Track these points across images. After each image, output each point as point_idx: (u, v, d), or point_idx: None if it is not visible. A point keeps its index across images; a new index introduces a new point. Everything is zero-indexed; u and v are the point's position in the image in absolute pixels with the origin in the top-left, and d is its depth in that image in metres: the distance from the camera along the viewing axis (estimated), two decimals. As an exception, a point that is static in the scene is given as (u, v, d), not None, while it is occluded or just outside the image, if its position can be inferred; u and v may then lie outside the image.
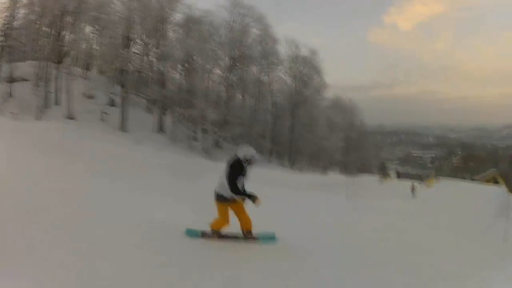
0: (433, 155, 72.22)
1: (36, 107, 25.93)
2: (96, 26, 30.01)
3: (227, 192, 7.02)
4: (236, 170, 6.87)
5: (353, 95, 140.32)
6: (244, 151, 7.05)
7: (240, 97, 38.98)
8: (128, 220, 7.41)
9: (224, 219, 7.28)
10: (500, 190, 37.23)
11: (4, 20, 27.99)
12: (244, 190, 7.05)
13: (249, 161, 6.95)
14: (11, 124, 20.58)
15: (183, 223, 7.43)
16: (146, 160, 18.09)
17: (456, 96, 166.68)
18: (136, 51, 30.01)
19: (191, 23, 32.44)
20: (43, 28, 28.02)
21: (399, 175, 49.19)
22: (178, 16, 32.81)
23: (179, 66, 32.37)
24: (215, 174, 7.14)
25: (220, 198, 7.11)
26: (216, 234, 7.49)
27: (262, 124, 39.96)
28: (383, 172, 53.26)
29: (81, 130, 23.20)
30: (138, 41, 30.05)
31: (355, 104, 56.41)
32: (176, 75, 32.61)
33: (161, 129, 29.40)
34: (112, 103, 29.13)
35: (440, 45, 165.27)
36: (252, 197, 6.88)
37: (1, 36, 28.06)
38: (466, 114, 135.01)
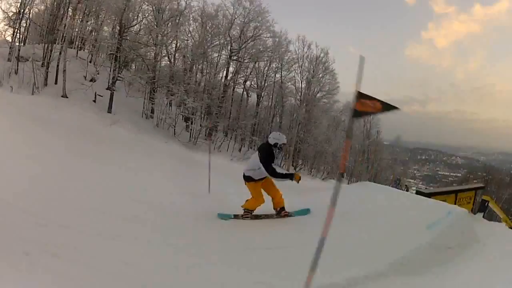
0: (459, 175, 69.94)
1: (33, 84, 27.29)
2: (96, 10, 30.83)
3: (254, 174, 7.91)
4: (269, 155, 7.77)
5: None
6: (275, 137, 7.98)
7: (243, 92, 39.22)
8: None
9: (258, 197, 8.06)
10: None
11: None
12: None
13: (280, 147, 7.89)
14: (5, 95, 23.66)
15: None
16: (109, 136, 20.42)
17: (486, 118, 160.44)
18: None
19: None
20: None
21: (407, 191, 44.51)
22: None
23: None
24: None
25: (248, 179, 8.06)
26: (250, 214, 8.18)
27: (262, 121, 40.33)
28: (394, 185, 49.05)
29: (66, 107, 25.44)
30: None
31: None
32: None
33: (151, 114, 30.33)
34: (111, 87, 29.65)
35: (474, 65, 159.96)
36: (290, 175, 7.71)
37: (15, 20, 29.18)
38: (494, 137, 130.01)
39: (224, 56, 34.82)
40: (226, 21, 34.41)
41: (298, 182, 7.84)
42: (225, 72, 35.29)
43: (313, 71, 42.48)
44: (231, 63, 35.18)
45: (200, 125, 31.91)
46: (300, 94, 42.46)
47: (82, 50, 31.67)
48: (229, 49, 34.63)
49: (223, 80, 35.00)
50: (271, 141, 8.05)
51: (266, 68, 39.89)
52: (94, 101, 28.71)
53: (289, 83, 41.78)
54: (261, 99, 40.06)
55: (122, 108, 28.89)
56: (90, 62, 30.60)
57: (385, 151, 58.29)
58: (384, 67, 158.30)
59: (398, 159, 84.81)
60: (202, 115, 33.24)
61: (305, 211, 8.61)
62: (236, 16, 34.80)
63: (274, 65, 40.17)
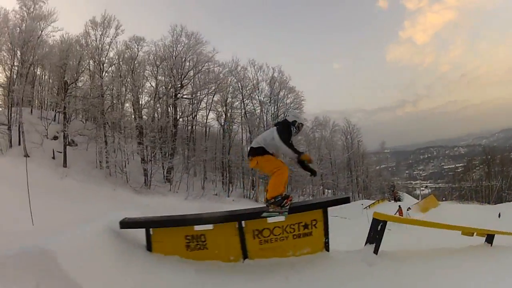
0: (465, 165, 66.33)
1: (-2, 146, 26.62)
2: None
3: (267, 145, 6.25)
4: (287, 129, 6.24)
5: (379, 117, 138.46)
6: (294, 115, 6.54)
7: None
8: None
9: (281, 166, 6.13)
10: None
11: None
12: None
13: (298, 126, 6.37)
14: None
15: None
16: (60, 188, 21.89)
17: (478, 101, 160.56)
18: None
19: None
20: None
21: (396, 198, 48.00)
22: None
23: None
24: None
25: (260, 151, 6.22)
26: (285, 198, 6.07)
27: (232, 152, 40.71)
28: (390, 193, 51.84)
29: (24, 165, 25.43)
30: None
31: (354, 125, 55.06)
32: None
33: (107, 163, 31.43)
34: (72, 143, 31.23)
35: (456, 53, 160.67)
36: (300, 152, 6.18)
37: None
38: (491, 118, 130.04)
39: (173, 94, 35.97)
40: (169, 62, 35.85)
41: (305, 164, 6.31)
42: (173, 110, 36.24)
43: (270, 93, 44.24)
44: (181, 101, 36.72)
45: (162, 165, 33.79)
46: (264, 120, 43.61)
47: (42, 109, 33.19)
48: (173, 87, 35.88)
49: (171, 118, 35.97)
50: (290, 118, 6.53)
51: (228, 99, 41.76)
52: (53, 157, 29.91)
53: (253, 108, 43.26)
54: (228, 130, 41.56)
55: (79, 161, 30.08)
56: (54, 120, 32.07)
57: (372, 160, 58.41)
58: (370, 77, 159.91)
59: (392, 165, 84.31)
60: (159, 157, 34.67)
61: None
62: (176, 54, 36.04)
63: (228, 96, 41.84)
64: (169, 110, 36.09)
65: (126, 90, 34.08)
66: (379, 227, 5.99)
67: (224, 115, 40.78)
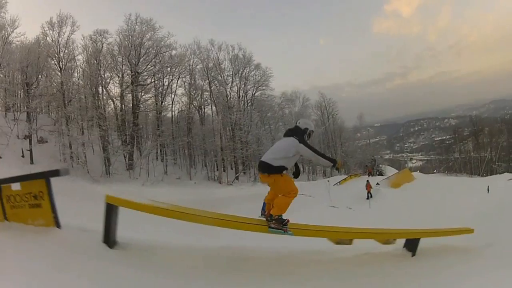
0: (457, 136, 64.57)
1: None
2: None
3: (288, 162, 6.21)
4: (307, 142, 6.26)
5: (369, 91, 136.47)
6: (306, 122, 6.59)
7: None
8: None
9: (293, 189, 6.17)
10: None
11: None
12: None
13: (309, 135, 6.50)
14: None
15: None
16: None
17: (469, 71, 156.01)
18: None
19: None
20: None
21: (370, 173, 46.13)
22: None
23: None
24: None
25: (279, 170, 6.08)
26: (286, 222, 6.24)
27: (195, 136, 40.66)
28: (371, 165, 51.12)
29: None
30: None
31: (330, 99, 53.88)
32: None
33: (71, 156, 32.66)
34: (41, 140, 32.59)
35: (443, 23, 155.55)
36: (333, 160, 6.29)
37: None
38: (482, 89, 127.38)
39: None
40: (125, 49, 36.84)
41: (339, 170, 6.37)
42: (133, 98, 36.89)
43: (234, 71, 44.19)
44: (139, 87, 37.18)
45: (123, 153, 34.53)
46: (227, 99, 43.29)
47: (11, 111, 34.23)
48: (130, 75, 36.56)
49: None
50: (302, 125, 6.53)
51: (196, 82, 42.45)
52: (23, 156, 31.36)
53: (220, 88, 43.16)
54: (200, 114, 42.60)
55: (46, 157, 31.22)
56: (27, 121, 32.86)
57: (356, 135, 57.43)
58: (357, 51, 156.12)
59: (382, 139, 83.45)
60: (119, 144, 34.97)
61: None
62: (132, 42, 37.04)
63: (187, 77, 41.88)
64: (129, 98, 36.95)
65: (86, 83, 35.07)
66: (111, 211, 5.14)
67: (188, 98, 41.43)
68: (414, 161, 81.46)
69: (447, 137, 70.94)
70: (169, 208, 5.53)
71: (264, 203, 6.75)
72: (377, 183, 33.80)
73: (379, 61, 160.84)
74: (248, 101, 44.74)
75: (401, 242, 7.00)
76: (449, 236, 7.80)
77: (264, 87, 45.04)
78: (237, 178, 40.96)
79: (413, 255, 6.95)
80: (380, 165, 54.54)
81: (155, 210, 5.46)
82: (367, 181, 32.09)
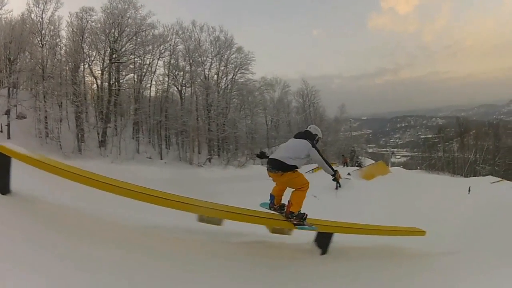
0: (443, 136, 64.68)
1: None
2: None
3: (300, 163, 6.57)
4: (317, 148, 6.77)
5: (358, 84, 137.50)
6: (316, 129, 7.07)
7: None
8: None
9: (306, 183, 6.60)
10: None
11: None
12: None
13: (317, 140, 6.95)
14: None
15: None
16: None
17: (462, 74, 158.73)
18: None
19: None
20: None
21: (345, 163, 45.35)
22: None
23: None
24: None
25: (291, 168, 6.46)
26: (305, 216, 6.64)
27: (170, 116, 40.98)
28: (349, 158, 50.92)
29: None
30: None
31: (312, 87, 54.04)
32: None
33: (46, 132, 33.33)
34: (20, 116, 33.27)
35: (440, 24, 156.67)
36: (335, 171, 6.75)
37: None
38: (473, 92, 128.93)
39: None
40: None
41: (336, 182, 7.43)
42: (111, 75, 37.81)
43: (213, 53, 44.32)
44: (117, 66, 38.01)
45: (97, 129, 35.17)
46: (205, 79, 43.34)
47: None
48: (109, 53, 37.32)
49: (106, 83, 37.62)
50: (313, 131, 7.03)
51: (178, 62, 42.68)
52: (1, 131, 31.65)
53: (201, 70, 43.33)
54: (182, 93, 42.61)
55: (23, 133, 31.63)
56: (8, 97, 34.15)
57: (334, 124, 56.34)
58: (350, 44, 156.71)
59: (368, 132, 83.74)
60: (94, 121, 35.89)
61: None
62: (112, 20, 37.48)
63: (178, 58, 42.59)
64: (107, 75, 37.59)
65: (67, 59, 35.94)
66: (3, 161, 5.60)
67: (168, 78, 41.91)
68: (398, 157, 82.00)
69: (433, 135, 71.64)
70: (57, 166, 5.71)
71: (272, 195, 7.05)
72: (348, 173, 32.20)
73: (371, 56, 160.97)
74: (228, 84, 45.30)
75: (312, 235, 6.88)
76: (402, 237, 7.73)
77: (244, 71, 45.56)
78: (209, 160, 41.31)
79: (323, 252, 6.72)
80: (360, 157, 55.19)
81: (42, 165, 5.65)
82: (336, 170, 29.13)
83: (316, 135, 6.96)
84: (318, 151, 6.60)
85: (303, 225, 6.46)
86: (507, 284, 5.63)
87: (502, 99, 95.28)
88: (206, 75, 43.26)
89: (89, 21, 36.75)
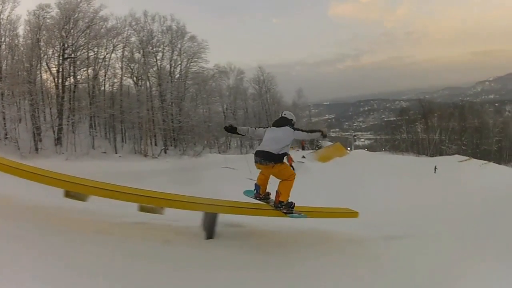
0: (407, 118, 64.69)
1: None
2: None
3: (287, 150, 7.16)
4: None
5: (320, 70, 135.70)
6: (291, 114, 7.65)
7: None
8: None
9: (292, 174, 7.20)
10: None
11: None
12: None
13: (293, 124, 7.40)
14: None
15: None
16: None
17: (424, 59, 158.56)
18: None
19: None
20: None
21: (303, 146, 45.25)
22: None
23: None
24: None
25: (282, 158, 7.10)
26: (293, 205, 7.15)
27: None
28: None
29: None
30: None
31: (269, 75, 53.73)
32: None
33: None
34: None
35: (402, 12, 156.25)
36: (320, 131, 7.47)
37: None
38: (437, 76, 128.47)
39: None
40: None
41: (326, 137, 8.45)
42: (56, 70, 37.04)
43: (166, 43, 43.19)
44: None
45: (52, 127, 34.46)
46: (158, 68, 43.01)
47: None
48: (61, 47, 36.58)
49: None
50: (288, 116, 7.52)
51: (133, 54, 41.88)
52: None
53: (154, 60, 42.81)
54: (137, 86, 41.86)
55: None
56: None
57: (292, 109, 51.49)
58: (312, 32, 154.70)
59: (331, 117, 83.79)
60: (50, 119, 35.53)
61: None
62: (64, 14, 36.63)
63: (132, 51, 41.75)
64: (66, 71, 37.05)
65: (22, 58, 35.68)
66: None
67: (121, 70, 41.38)
68: (363, 140, 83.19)
69: (397, 118, 71.37)
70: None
71: (257, 185, 7.58)
72: (303, 156, 30.46)
73: (332, 43, 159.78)
74: (182, 74, 45.30)
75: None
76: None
77: (198, 59, 45.37)
78: (165, 151, 41.25)
79: (209, 237, 6.41)
80: (320, 141, 54.35)
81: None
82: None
83: (292, 119, 7.48)
84: (300, 130, 7.25)
85: (292, 213, 6.93)
86: (458, 269, 5.44)
87: (467, 82, 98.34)
88: (159, 66, 43.35)
89: (46, 18, 36.72)
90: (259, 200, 7.30)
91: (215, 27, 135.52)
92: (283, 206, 6.84)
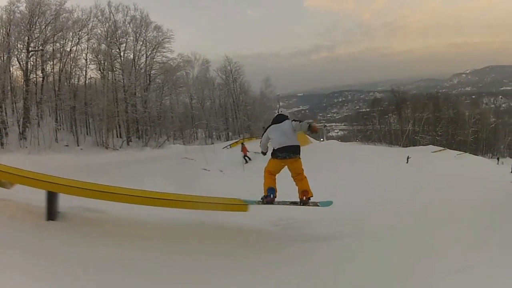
0: (381, 109, 63.77)
1: None
2: None
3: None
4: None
5: (295, 61, 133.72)
6: (286, 111, 7.89)
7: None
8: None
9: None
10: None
11: None
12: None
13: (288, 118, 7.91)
14: None
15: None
16: None
17: (401, 50, 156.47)
18: None
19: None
20: None
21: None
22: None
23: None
24: None
25: (298, 151, 7.44)
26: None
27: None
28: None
29: None
30: None
31: (235, 63, 53.21)
32: None
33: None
34: None
35: (380, 2, 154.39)
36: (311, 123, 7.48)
37: None
38: (413, 67, 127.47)
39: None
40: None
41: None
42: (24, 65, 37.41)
43: (130, 33, 42.74)
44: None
45: (17, 122, 34.38)
46: (121, 59, 42.71)
47: None
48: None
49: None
50: (284, 112, 7.82)
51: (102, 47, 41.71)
52: None
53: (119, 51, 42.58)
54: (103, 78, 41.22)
55: None
56: None
57: (260, 98, 55.43)
58: (287, 23, 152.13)
59: (305, 108, 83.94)
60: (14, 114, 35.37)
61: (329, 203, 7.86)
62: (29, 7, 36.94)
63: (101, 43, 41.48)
64: (25, 66, 36.59)
65: None
66: None
67: (85, 62, 40.91)
68: (337, 131, 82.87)
69: (372, 109, 69.88)
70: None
71: (273, 189, 7.40)
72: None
73: (307, 34, 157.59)
74: (147, 64, 45.02)
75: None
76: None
77: (163, 49, 45.26)
78: (127, 143, 40.91)
79: (50, 218, 6.03)
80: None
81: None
82: (242, 144, 32.04)
83: (288, 115, 7.72)
84: (299, 121, 7.39)
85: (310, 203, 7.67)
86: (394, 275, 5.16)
87: (444, 74, 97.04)
88: (122, 56, 43.41)
89: (15, 13, 36.89)
90: (277, 204, 7.56)
91: (188, 18, 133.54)
92: (309, 201, 7.39)
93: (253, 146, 30.47)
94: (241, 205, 7.25)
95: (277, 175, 7.61)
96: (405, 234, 7.86)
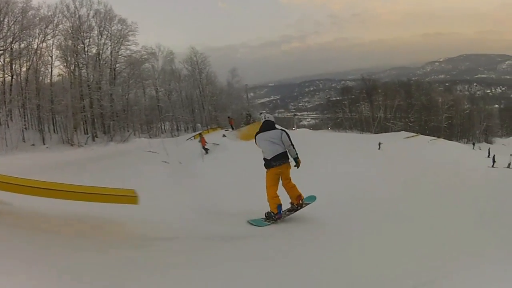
0: (353, 97, 62.61)
1: None
2: None
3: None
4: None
5: (265, 52, 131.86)
6: (272, 118, 8.34)
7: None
8: None
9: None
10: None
11: None
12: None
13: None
14: None
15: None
16: None
17: (372, 40, 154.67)
18: None
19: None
20: None
21: (231, 125, 44.78)
22: None
23: None
24: None
25: (288, 158, 8.14)
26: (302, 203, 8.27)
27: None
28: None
29: None
30: None
31: (201, 54, 53.56)
32: None
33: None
34: None
35: None
36: (297, 157, 8.08)
37: None
38: (384, 56, 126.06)
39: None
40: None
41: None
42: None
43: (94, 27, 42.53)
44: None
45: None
46: (85, 53, 42.51)
47: None
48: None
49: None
50: (271, 119, 8.24)
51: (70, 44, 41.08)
52: None
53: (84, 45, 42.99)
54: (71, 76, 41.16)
55: None
56: None
57: (227, 88, 55.12)
58: (256, 15, 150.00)
59: (276, 98, 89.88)
60: None
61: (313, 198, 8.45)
62: None
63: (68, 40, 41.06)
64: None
65: None
66: None
67: (51, 59, 40.92)
68: (308, 119, 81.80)
69: (343, 97, 67.82)
70: None
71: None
72: (223, 135, 32.50)
73: (277, 26, 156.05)
74: (112, 58, 44.70)
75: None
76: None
77: (127, 42, 45.38)
78: (92, 139, 40.57)
79: None
80: (256, 121, 48.95)
81: None
82: (200, 135, 31.91)
83: (274, 121, 8.20)
84: (288, 137, 7.78)
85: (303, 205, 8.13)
86: None
87: (416, 62, 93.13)
88: (87, 51, 43.03)
89: None
90: (287, 215, 7.84)
91: (156, 11, 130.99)
92: (303, 202, 8.02)
93: (213, 137, 30.51)
94: (131, 197, 6.40)
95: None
96: (369, 225, 7.98)
